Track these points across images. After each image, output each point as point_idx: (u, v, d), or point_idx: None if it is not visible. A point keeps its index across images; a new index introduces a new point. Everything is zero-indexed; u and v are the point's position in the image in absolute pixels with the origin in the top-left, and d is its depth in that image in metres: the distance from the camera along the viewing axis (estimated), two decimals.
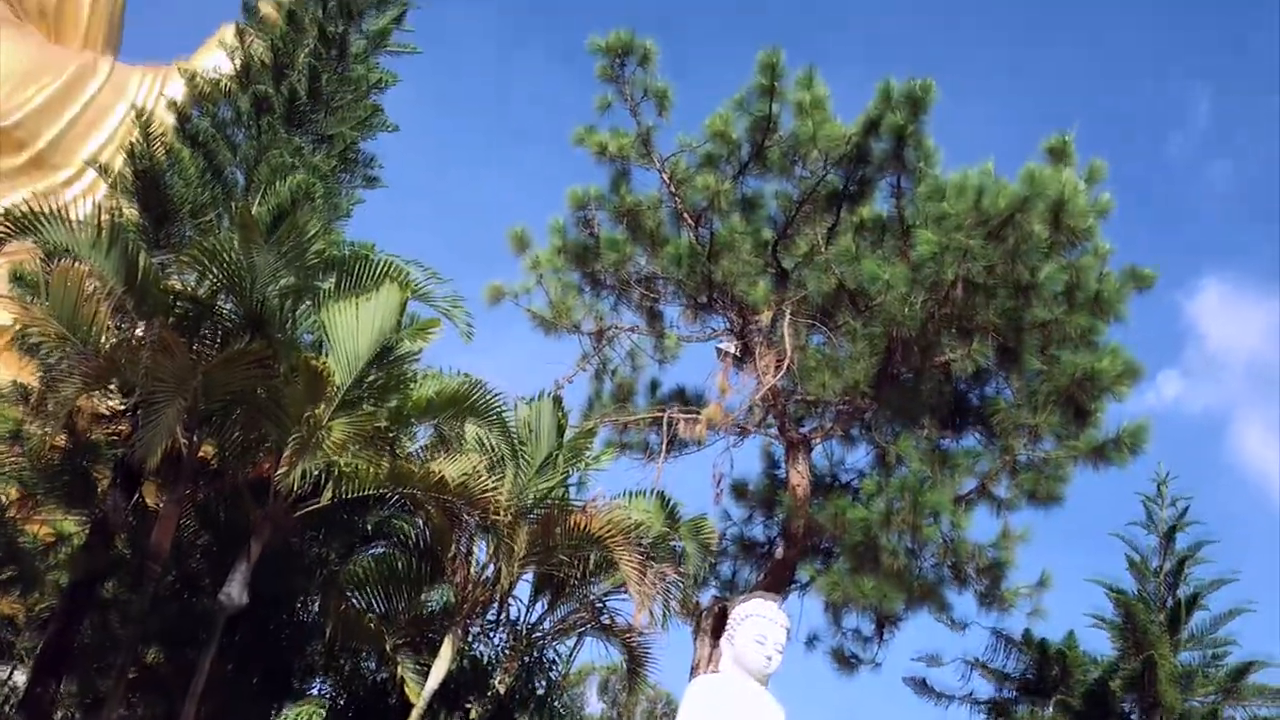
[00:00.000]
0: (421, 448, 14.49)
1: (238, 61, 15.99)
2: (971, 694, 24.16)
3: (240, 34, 16.93)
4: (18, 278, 14.14)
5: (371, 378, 13.04)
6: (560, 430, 14.51)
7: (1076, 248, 17.48)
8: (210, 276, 12.82)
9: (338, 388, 12.52)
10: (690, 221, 19.59)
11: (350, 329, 12.78)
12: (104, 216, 12.91)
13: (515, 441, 14.15)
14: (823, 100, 18.33)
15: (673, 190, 19.72)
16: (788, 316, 18.36)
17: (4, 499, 15.74)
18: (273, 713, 14.94)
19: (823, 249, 18.82)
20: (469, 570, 14.10)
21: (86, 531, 14.68)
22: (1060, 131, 17.79)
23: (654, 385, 21.22)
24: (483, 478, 13.01)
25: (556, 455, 14.28)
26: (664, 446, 18.75)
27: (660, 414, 19.35)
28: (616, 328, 20.58)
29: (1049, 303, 17.36)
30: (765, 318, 18.57)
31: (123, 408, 13.98)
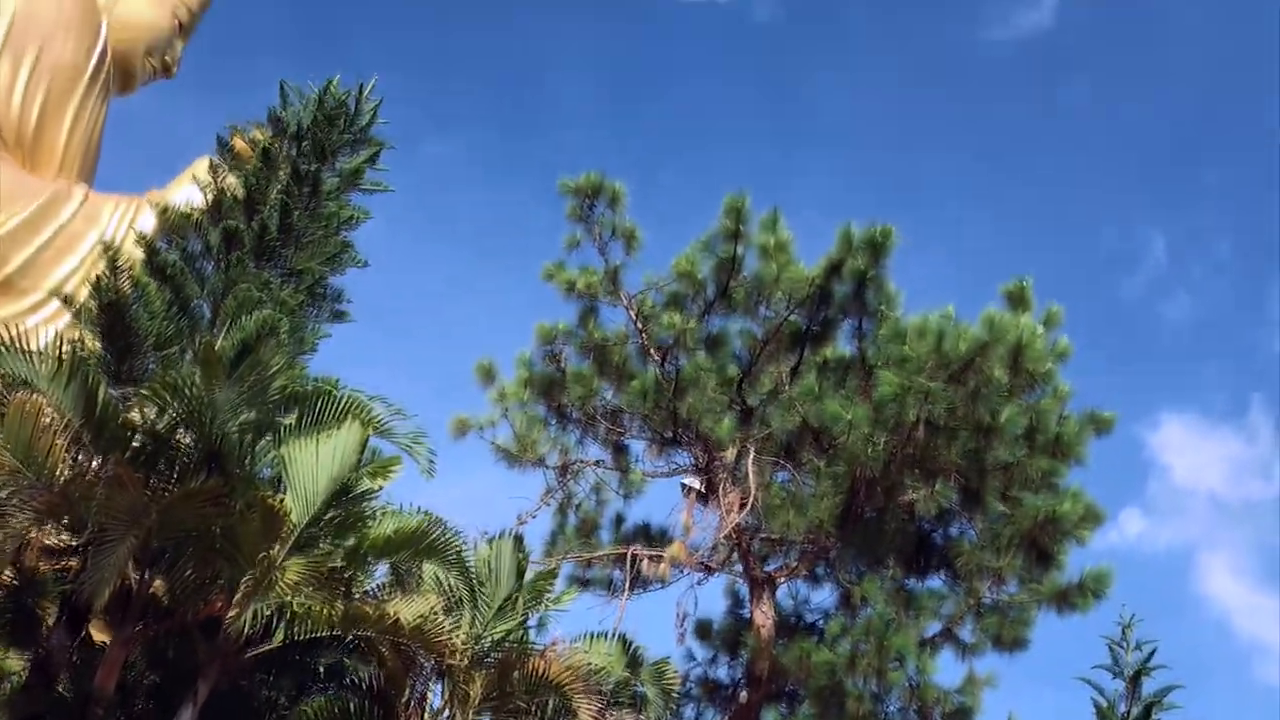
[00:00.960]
0: (378, 586, 14.22)
1: (210, 196, 16.18)
2: None
3: (213, 169, 17.18)
4: None
5: (329, 515, 12.87)
6: (521, 571, 14.30)
7: (1036, 390, 17.72)
8: (170, 411, 12.72)
9: (294, 525, 12.34)
10: (656, 357, 19.76)
11: (310, 466, 12.66)
12: (66, 348, 12.87)
13: (474, 582, 13.92)
14: (786, 243, 18.75)
15: (639, 327, 19.93)
16: (752, 454, 18.40)
17: None
18: None
19: (786, 387, 18.99)
20: (423, 716, 13.71)
21: (27, 670, 14.18)
22: (1018, 278, 18.24)
23: (618, 520, 21.07)
24: (440, 620, 12.75)
25: (516, 597, 14.05)
26: (627, 585, 18.52)
27: (624, 551, 19.16)
28: (581, 462, 20.53)
29: (1010, 445, 17.48)
30: (730, 454, 18.59)
31: (73, 543, 13.67)
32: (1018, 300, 17.98)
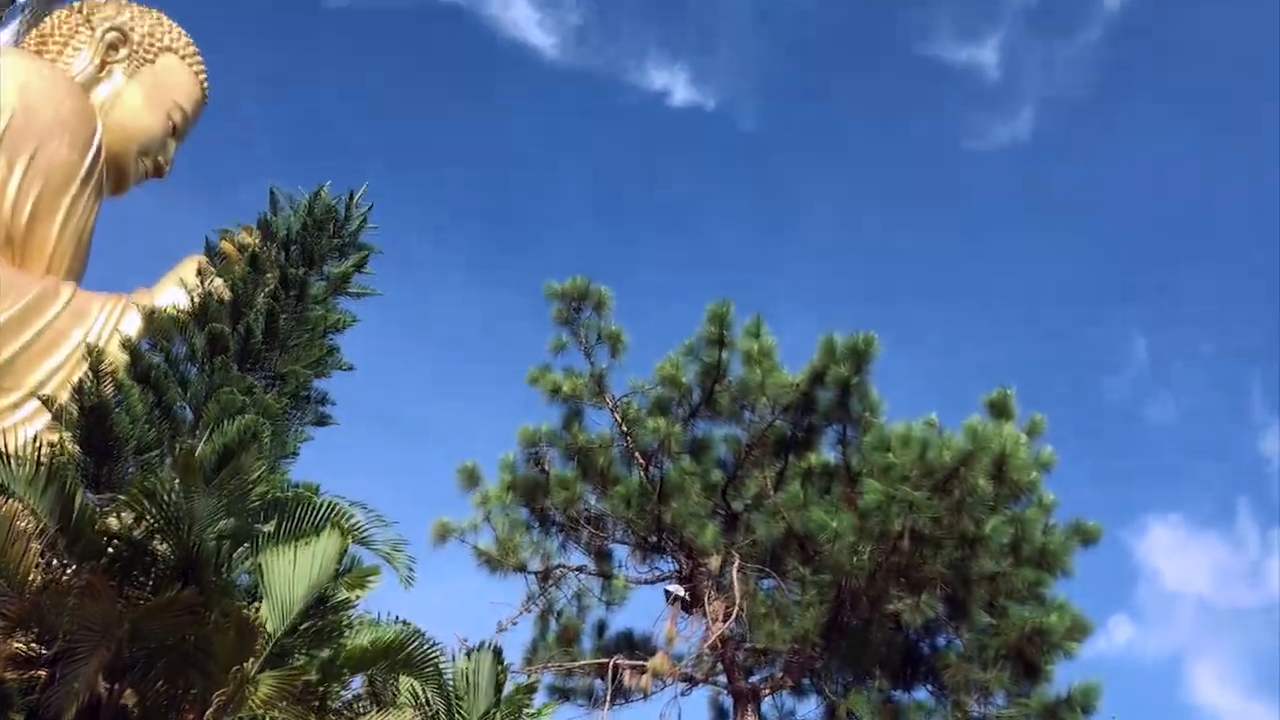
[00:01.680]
0: (352, 699, 13.90)
1: (196, 299, 16.23)
2: None
3: (201, 272, 17.26)
4: None
5: (305, 626, 12.64)
6: (500, 684, 14.03)
7: (1021, 501, 17.71)
8: (148, 518, 12.56)
9: (270, 636, 12.10)
10: (641, 462, 19.70)
11: (287, 575, 12.47)
12: (45, 450, 12.74)
13: (452, 696, 13.63)
14: (770, 350, 18.86)
15: (624, 431, 19.92)
16: (737, 561, 18.24)
17: None
18: None
19: (771, 494, 18.92)
20: None
21: None
22: (1000, 387, 18.36)
23: (600, 628, 20.78)
24: None
25: (495, 712, 13.75)
26: (609, 696, 18.17)
27: (606, 661, 18.83)
28: (564, 567, 20.30)
29: (996, 556, 17.40)
30: (714, 563, 18.43)
31: (43, 653, 13.36)
32: (1000, 409, 18.07)
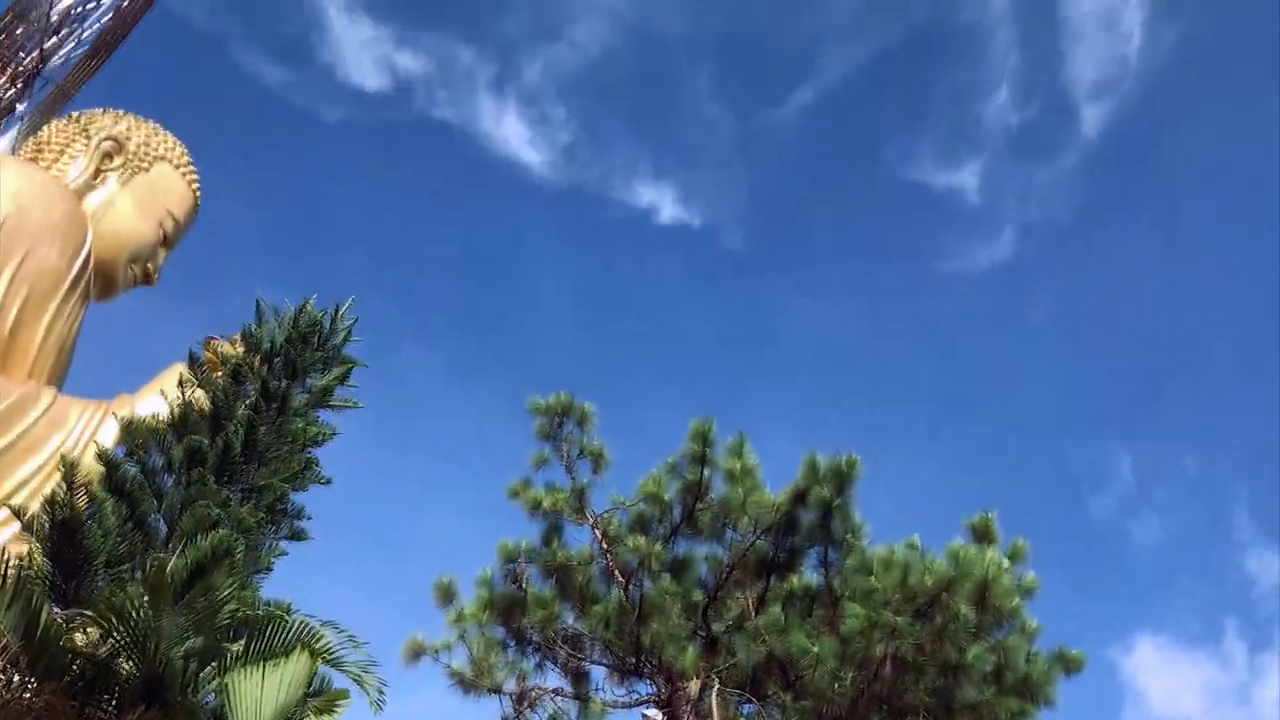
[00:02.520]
0: None
1: (176, 410, 16.15)
2: None
3: (182, 383, 17.21)
4: None
5: None
6: None
7: (1004, 627, 17.48)
8: (114, 635, 12.28)
9: None
10: (621, 580, 19.44)
11: (255, 698, 12.16)
12: (12, 562, 12.51)
13: None
14: (752, 469, 18.82)
15: (605, 547, 19.71)
16: (716, 686, 17.87)
17: None
18: None
19: (753, 616, 18.65)
20: None
21: None
22: (983, 511, 18.32)
23: None
24: None
25: None
26: None
27: None
28: (540, 689, 19.84)
29: (979, 683, 17.12)
30: (693, 687, 18.07)
31: None
32: (982, 533, 17.98)
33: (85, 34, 24.14)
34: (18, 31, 22.96)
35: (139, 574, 14.08)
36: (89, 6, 23.88)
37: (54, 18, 23.25)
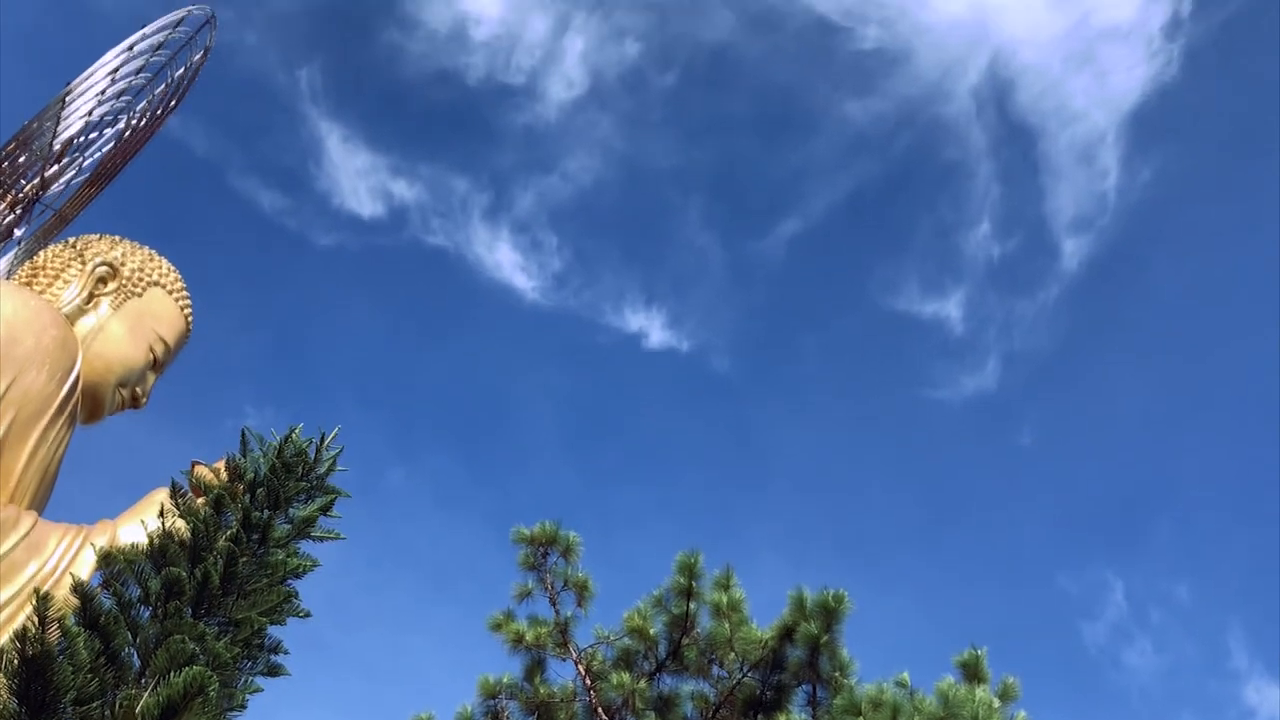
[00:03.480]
0: None
1: (156, 540, 15.95)
2: None
3: (162, 511, 17.07)
4: None
5: None
6: None
7: None
8: None
9: None
10: (605, 719, 19.02)
11: None
12: None
13: None
14: (739, 603, 18.61)
15: (588, 684, 19.35)
16: None
17: None
18: None
19: None
20: None
21: None
22: (972, 646, 18.05)
23: None
24: None
25: None
26: None
27: None
28: None
29: None
30: None
31: None
32: (973, 671, 17.70)
33: (86, 162, 24.64)
34: (20, 159, 23.39)
35: (109, 712, 13.71)
36: (92, 136, 24.41)
37: (56, 146, 23.73)
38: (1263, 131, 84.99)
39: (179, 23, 24.20)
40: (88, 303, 22.64)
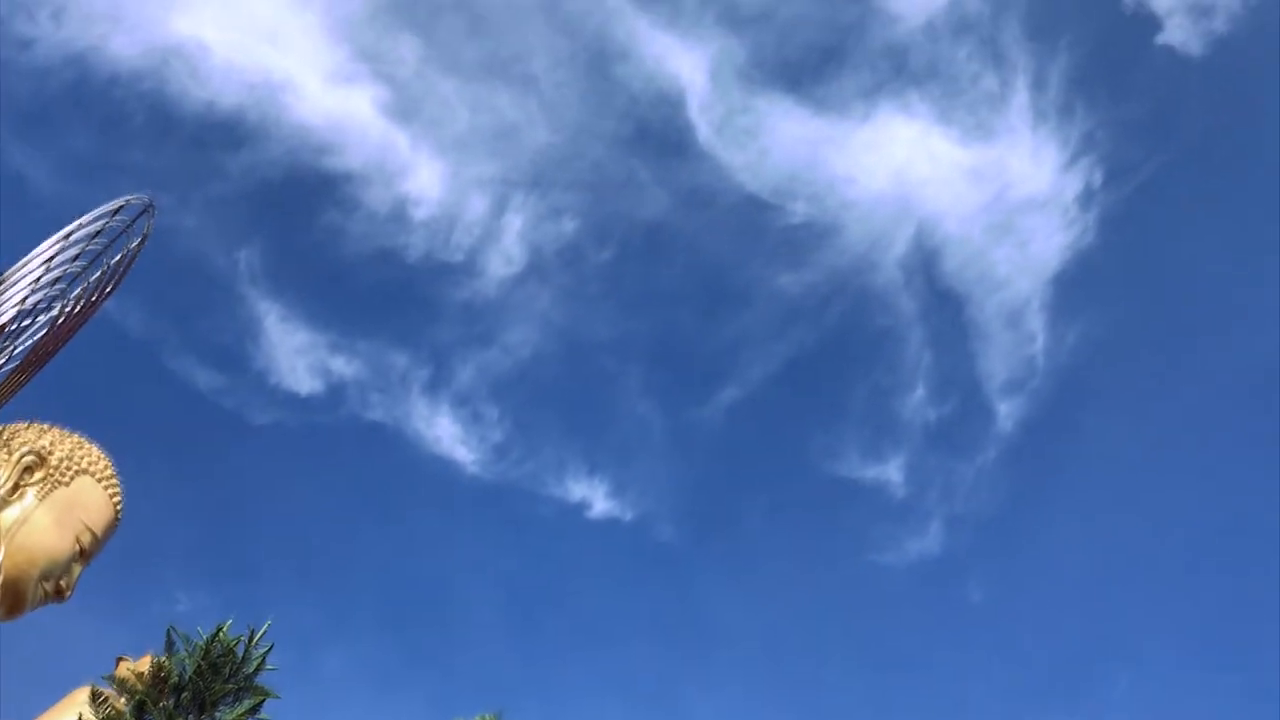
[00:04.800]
0: None
1: None
2: None
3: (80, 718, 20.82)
4: None
5: None
6: None
7: None
8: None
9: None
10: None
11: None
12: None
13: None
14: None
15: None
16: None
17: None
18: None
19: None
20: None
21: None
22: None
23: None
24: None
25: None
26: None
27: None
28: None
29: None
30: None
31: None
32: None
33: (18, 349, 22.04)
34: None
35: None
36: (25, 323, 21.70)
37: None
38: (1178, 289, 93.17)
39: (117, 211, 22.02)
40: (12, 493, 22.94)
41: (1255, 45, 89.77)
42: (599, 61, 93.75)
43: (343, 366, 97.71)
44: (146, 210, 23.24)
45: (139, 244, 23.51)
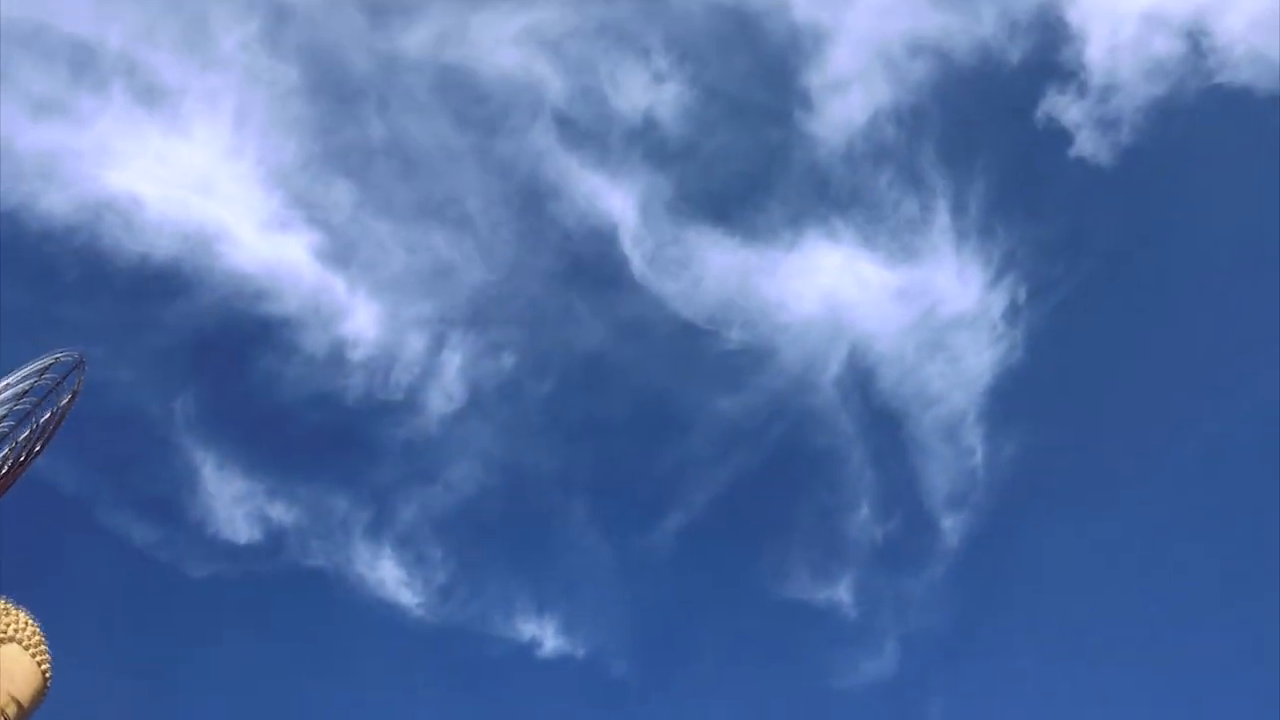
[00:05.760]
0: None
1: None
2: None
3: None
4: None
5: None
6: None
7: None
8: None
9: None
10: None
11: None
12: None
13: None
14: None
15: None
16: None
17: None
18: None
19: None
20: None
21: None
22: None
23: None
24: None
25: None
26: None
27: None
28: None
29: None
30: None
31: None
32: None
33: None
34: None
35: None
36: None
37: None
38: (1108, 398, 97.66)
39: (46, 369, 22.39)
40: None
41: (1160, 154, 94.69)
42: (532, 200, 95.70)
43: (282, 513, 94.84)
44: (77, 366, 23.52)
45: (69, 400, 23.70)
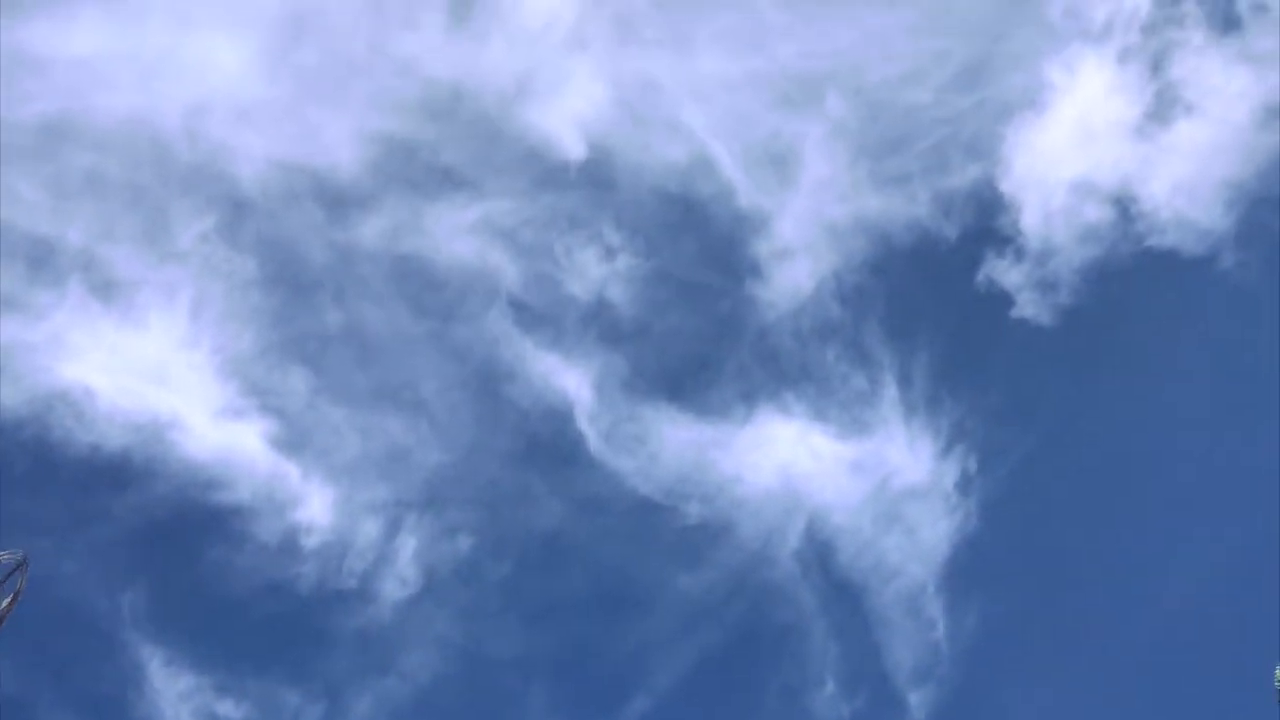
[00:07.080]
0: None
1: None
2: None
3: None
4: None
5: None
6: None
7: None
8: None
9: None
10: None
11: None
12: None
13: None
14: None
15: None
16: None
17: None
18: None
19: None
20: None
21: None
22: None
23: None
24: None
25: None
26: None
27: None
28: None
29: None
30: None
31: None
32: None
33: None
34: None
35: None
36: None
37: None
38: (1065, 563, 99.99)
39: None
40: None
41: (1098, 314, 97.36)
42: (488, 383, 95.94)
43: (231, 709, 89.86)
44: (20, 567, 23.20)
45: (10, 602, 23.28)
